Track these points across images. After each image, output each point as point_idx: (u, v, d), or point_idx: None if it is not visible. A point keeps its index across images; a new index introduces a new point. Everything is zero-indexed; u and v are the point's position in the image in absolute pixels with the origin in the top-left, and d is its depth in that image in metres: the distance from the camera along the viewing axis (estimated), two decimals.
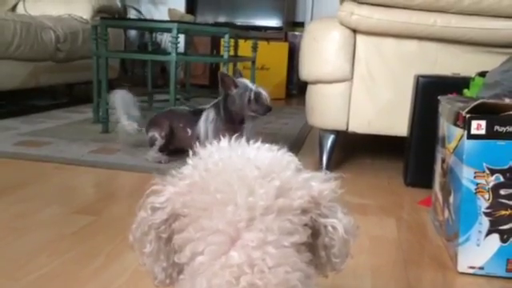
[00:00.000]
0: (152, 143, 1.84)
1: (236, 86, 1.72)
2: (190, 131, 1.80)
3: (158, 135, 1.81)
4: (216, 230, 0.44)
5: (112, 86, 3.28)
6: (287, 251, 0.45)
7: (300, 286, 0.45)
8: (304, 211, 0.48)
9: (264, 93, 1.74)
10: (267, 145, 0.53)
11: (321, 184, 0.51)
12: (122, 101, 1.90)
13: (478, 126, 0.97)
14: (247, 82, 1.77)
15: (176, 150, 1.85)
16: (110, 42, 2.33)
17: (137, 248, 0.54)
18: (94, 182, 1.56)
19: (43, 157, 1.76)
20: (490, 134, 0.97)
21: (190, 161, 0.52)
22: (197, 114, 1.82)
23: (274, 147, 0.53)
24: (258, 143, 0.53)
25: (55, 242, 1.07)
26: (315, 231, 0.51)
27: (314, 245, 0.51)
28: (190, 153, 0.54)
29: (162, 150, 1.83)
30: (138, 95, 2.88)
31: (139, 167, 1.69)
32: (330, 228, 0.50)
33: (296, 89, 4.06)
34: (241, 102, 1.70)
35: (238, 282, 0.43)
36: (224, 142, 0.53)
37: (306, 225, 0.48)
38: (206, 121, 1.78)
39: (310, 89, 1.78)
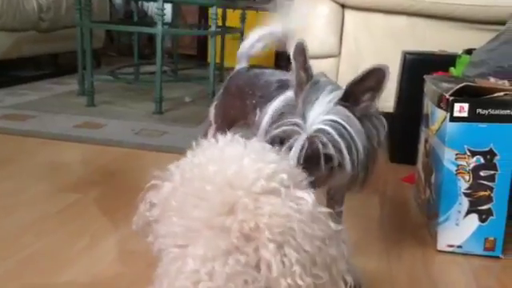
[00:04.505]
0: None
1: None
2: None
3: None
4: (173, 234, 0.46)
5: (97, 55, 3.24)
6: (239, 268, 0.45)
7: None
8: (246, 238, 0.45)
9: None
10: (264, 149, 0.53)
11: (276, 209, 0.46)
12: None
13: (461, 109, 0.98)
14: (330, 85, 0.76)
15: None
16: (94, 12, 2.28)
17: (141, 235, 0.57)
18: (80, 159, 1.55)
19: (27, 132, 1.74)
20: (472, 117, 0.98)
21: (188, 154, 0.54)
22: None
23: (272, 155, 0.52)
24: (260, 143, 0.53)
25: (41, 221, 1.07)
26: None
27: None
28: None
29: None
30: (124, 66, 2.87)
31: (125, 143, 1.68)
32: (264, 267, 0.45)
33: (285, 60, 4.02)
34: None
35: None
36: (223, 138, 0.53)
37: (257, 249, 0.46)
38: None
39: None
